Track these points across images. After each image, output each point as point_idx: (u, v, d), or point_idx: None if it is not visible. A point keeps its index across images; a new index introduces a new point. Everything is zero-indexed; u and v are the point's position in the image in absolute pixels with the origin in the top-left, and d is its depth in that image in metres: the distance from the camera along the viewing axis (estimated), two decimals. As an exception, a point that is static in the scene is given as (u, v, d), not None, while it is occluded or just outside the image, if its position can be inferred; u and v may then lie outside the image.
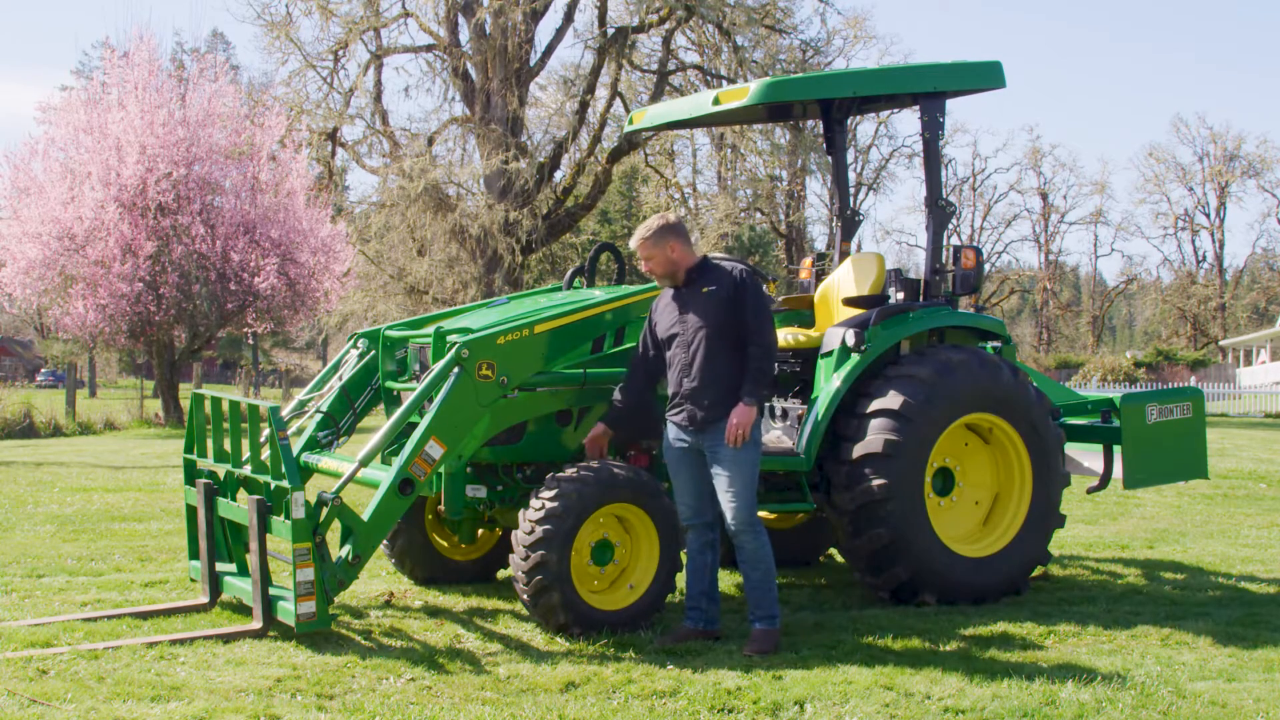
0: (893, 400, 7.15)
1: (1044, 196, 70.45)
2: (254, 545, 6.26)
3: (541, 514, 6.28)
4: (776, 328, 7.98)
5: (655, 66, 33.45)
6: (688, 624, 6.49)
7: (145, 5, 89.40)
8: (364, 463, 6.36)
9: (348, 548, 6.21)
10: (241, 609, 6.77)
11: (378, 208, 33.17)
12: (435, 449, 6.35)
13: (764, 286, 6.38)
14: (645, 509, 6.53)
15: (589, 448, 6.73)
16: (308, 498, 6.05)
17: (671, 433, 6.48)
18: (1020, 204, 70.87)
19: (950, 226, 8.12)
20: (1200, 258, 71.61)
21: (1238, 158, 68.37)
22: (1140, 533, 10.49)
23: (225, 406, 6.83)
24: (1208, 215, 70.14)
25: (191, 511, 7.09)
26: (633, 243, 6.40)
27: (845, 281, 8.07)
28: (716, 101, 7.47)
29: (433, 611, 7.10)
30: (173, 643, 6.03)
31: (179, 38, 70.28)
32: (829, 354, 7.45)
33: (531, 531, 6.28)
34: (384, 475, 6.37)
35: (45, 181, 24.61)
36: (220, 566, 6.93)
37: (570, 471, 6.45)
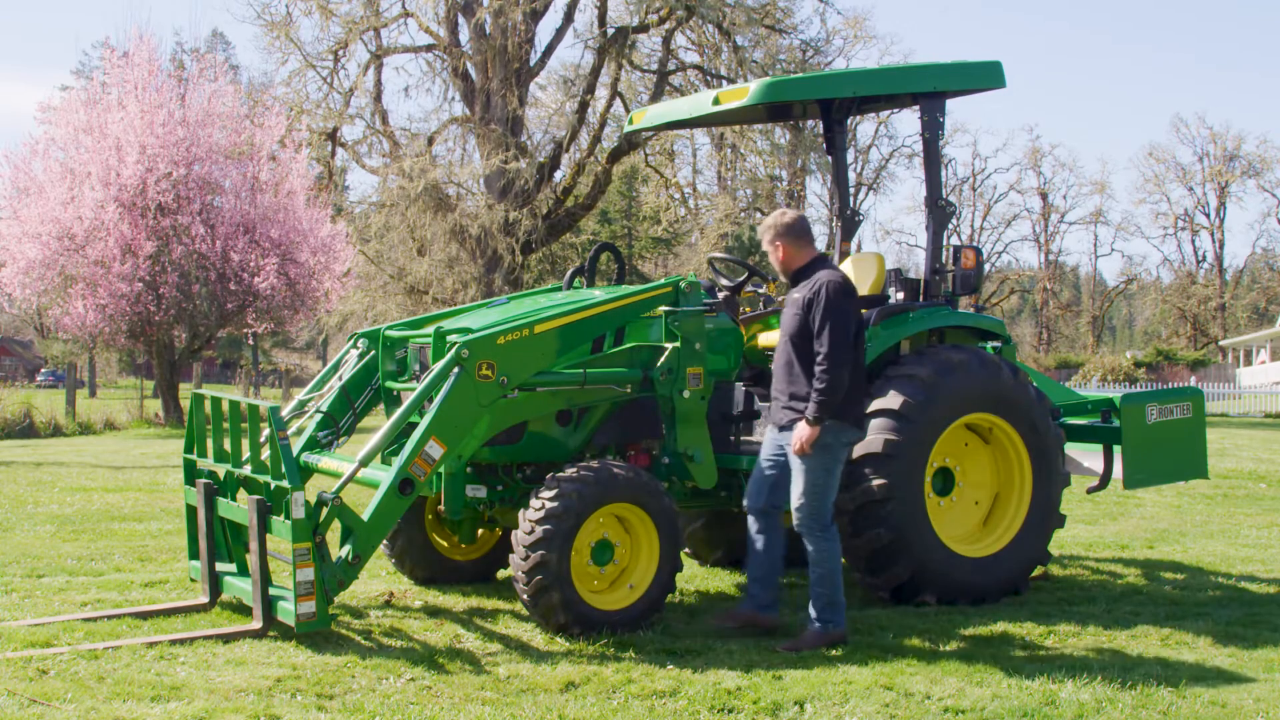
0: (893, 400, 7.16)
1: (1044, 196, 70.48)
2: (254, 545, 6.26)
3: (541, 514, 6.28)
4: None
5: (655, 66, 33.45)
6: (742, 607, 6.60)
7: (145, 5, 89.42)
8: (364, 463, 6.36)
9: (348, 548, 6.21)
10: (241, 609, 6.77)
11: (378, 208, 33.18)
12: (435, 449, 6.34)
13: (848, 299, 6.29)
14: (645, 509, 6.53)
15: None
16: (308, 498, 6.05)
17: (769, 427, 6.61)
18: (1020, 204, 70.97)
19: (950, 226, 8.12)
20: (1200, 258, 71.69)
21: (1238, 158, 68.40)
22: (1140, 533, 10.50)
23: (225, 406, 6.83)
24: (1208, 215, 70.21)
25: (191, 511, 7.09)
26: (764, 221, 6.58)
27: (845, 281, 8.07)
28: (716, 101, 7.47)
29: (433, 611, 7.10)
30: (173, 643, 6.03)
31: (179, 38, 70.40)
32: (829, 354, 7.44)
33: (531, 531, 6.28)
34: (384, 475, 6.36)
35: (45, 181, 24.60)
36: (220, 566, 6.93)
37: (570, 471, 6.45)
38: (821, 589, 6.39)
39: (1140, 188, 79.36)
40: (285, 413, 7.28)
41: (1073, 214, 72.44)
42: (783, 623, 6.65)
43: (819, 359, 6.22)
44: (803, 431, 6.24)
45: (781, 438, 6.47)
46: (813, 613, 6.42)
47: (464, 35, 31.56)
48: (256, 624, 6.25)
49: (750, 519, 6.63)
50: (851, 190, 9.66)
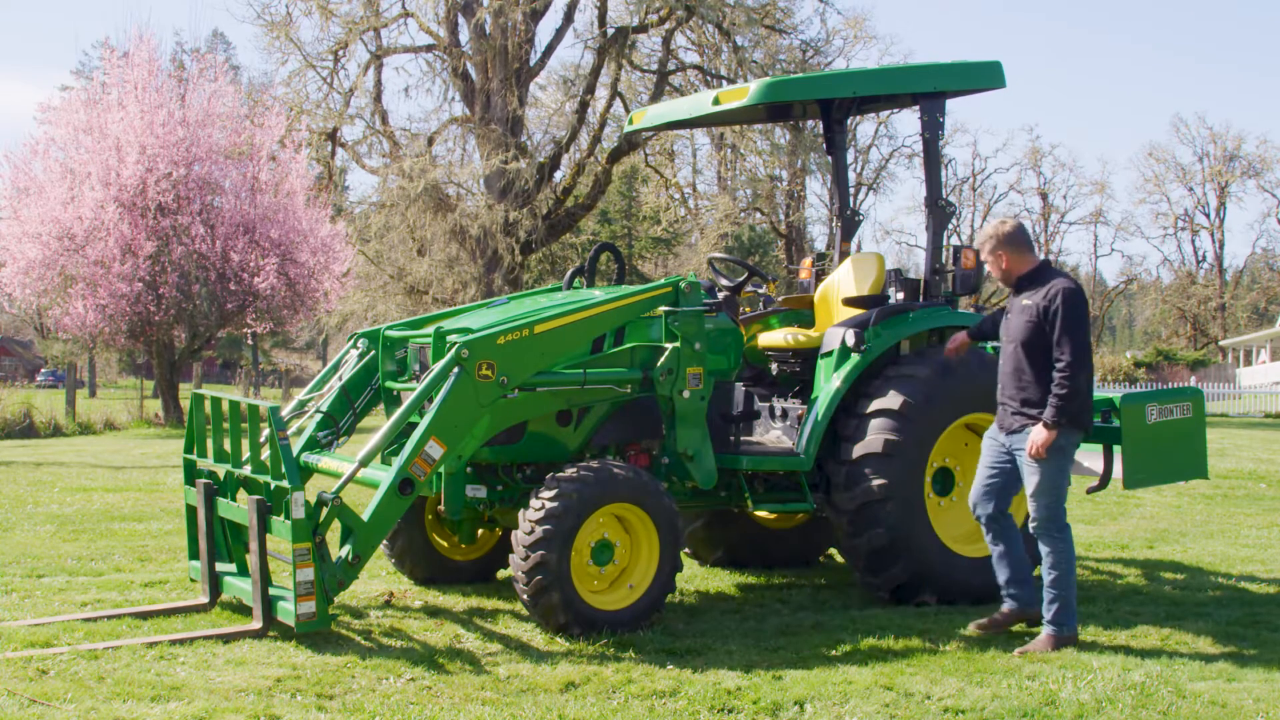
0: (893, 400, 7.16)
1: (1044, 196, 70.43)
2: (254, 545, 6.26)
3: (541, 514, 6.28)
4: (791, 327, 8.02)
5: (655, 66, 33.45)
6: (1007, 609, 6.65)
7: (145, 5, 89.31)
8: (364, 463, 6.36)
9: (348, 548, 6.21)
10: (241, 609, 6.77)
11: (378, 208, 33.15)
12: (435, 449, 6.34)
13: (1085, 305, 6.39)
14: (645, 509, 6.53)
15: (951, 343, 7.17)
16: (308, 498, 6.06)
17: (992, 428, 6.70)
18: (1020, 204, 70.66)
19: (950, 226, 8.13)
20: (1200, 258, 71.67)
21: (1238, 158, 68.38)
22: (1140, 533, 10.50)
23: (225, 406, 6.83)
24: (1208, 215, 70.19)
25: (191, 511, 7.09)
26: (976, 242, 6.67)
27: (845, 281, 8.08)
28: (716, 101, 7.47)
29: (433, 611, 7.10)
30: (173, 643, 6.03)
31: (179, 38, 70.23)
32: (829, 354, 7.45)
33: (531, 531, 6.28)
34: (384, 475, 6.36)
35: (45, 181, 24.59)
36: (220, 566, 6.93)
37: (570, 471, 6.45)
38: (1057, 590, 6.38)
39: (1140, 188, 79.34)
40: (285, 413, 7.27)
41: (1073, 214, 72.45)
42: (1036, 614, 6.60)
43: (1060, 364, 6.25)
44: (1040, 435, 6.27)
45: (1010, 442, 6.51)
46: (1048, 615, 6.39)
47: (464, 35, 31.55)
48: (256, 624, 6.25)
49: (985, 528, 6.65)
50: (851, 190, 9.67)
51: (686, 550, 8.63)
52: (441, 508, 6.88)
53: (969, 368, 7.38)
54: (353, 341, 7.66)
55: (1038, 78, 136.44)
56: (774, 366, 8.19)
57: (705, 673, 5.77)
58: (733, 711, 5.27)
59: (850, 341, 7.33)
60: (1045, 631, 6.40)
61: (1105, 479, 8.32)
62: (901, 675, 5.77)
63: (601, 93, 32.47)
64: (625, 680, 5.62)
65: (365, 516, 6.22)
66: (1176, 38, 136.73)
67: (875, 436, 7.13)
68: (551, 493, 6.33)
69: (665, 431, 7.12)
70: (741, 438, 7.58)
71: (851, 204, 8.81)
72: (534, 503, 6.36)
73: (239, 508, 6.61)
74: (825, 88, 7.95)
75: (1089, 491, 8.46)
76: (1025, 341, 6.39)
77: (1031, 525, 6.45)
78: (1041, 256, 6.70)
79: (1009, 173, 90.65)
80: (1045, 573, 6.43)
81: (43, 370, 60.91)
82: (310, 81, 32.29)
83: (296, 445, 6.97)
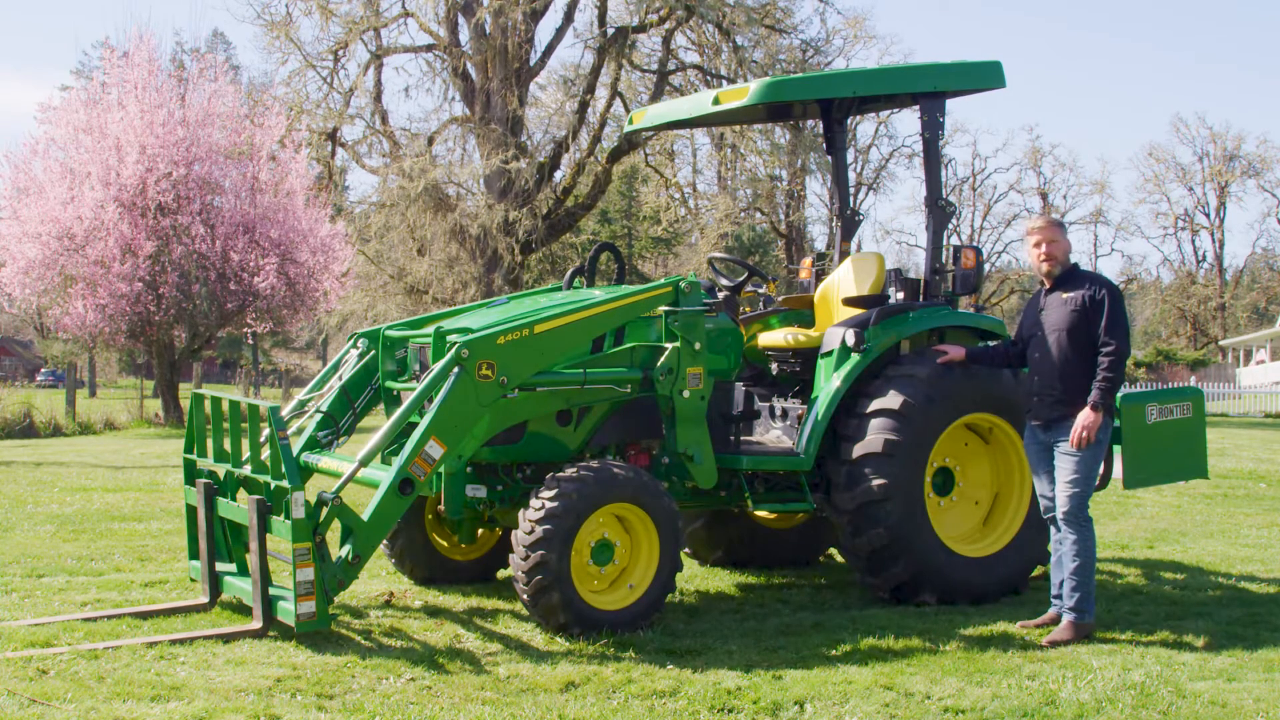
0: (893, 400, 7.16)
1: (1044, 196, 70.34)
2: (254, 545, 6.26)
3: (541, 514, 6.28)
4: (791, 327, 8.04)
5: (655, 66, 33.44)
6: (1053, 609, 6.81)
7: (145, 5, 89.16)
8: (364, 463, 6.36)
9: (348, 548, 6.21)
10: (241, 609, 6.77)
11: (378, 208, 33.14)
12: (435, 449, 6.35)
13: (1121, 299, 6.61)
14: (645, 509, 6.53)
15: (947, 355, 7.25)
16: (308, 498, 6.06)
17: (1028, 431, 6.83)
18: (1020, 204, 70.58)
19: (950, 226, 8.13)
20: (1200, 258, 71.61)
21: (1238, 157, 68.31)
22: (1140, 533, 10.50)
23: (225, 406, 6.83)
24: (1208, 215, 70.13)
25: (191, 511, 7.09)
26: (1035, 222, 6.83)
27: (845, 281, 8.08)
28: (716, 101, 7.47)
29: (433, 611, 7.10)
30: (173, 643, 6.04)
31: (179, 38, 70.16)
32: (829, 354, 7.46)
33: (531, 531, 6.28)
34: (384, 475, 6.37)
35: (45, 181, 24.58)
36: (220, 566, 6.94)
37: (570, 471, 6.45)
38: (1079, 578, 6.57)
39: (1140, 188, 79.27)
40: (285, 413, 7.28)
41: (1073, 214, 71.69)
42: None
43: (1108, 349, 6.49)
44: (1088, 417, 6.47)
45: (1050, 436, 6.67)
46: (1069, 603, 6.59)
47: (464, 35, 31.54)
48: (256, 624, 6.25)
49: (1054, 528, 6.76)
50: (851, 190, 9.67)
51: (686, 550, 8.63)
52: (441, 508, 6.89)
53: (969, 368, 7.37)
54: (353, 341, 7.67)
55: (1038, 78, 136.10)
56: (774, 366, 8.19)
57: (705, 673, 5.77)
58: (733, 711, 5.27)
59: (850, 341, 7.34)
60: (1066, 619, 6.57)
61: (1105, 479, 8.32)
62: (901, 675, 5.78)
63: (601, 92, 32.46)
64: (625, 680, 5.63)
65: (365, 516, 6.23)
66: (1176, 38, 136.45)
67: (875, 436, 7.13)
68: (551, 493, 6.34)
69: (665, 431, 7.12)
70: (741, 438, 7.58)
71: (851, 204, 8.82)
72: (534, 503, 6.37)
73: (239, 508, 6.62)
74: (825, 88, 7.94)
75: (1089, 491, 8.47)
76: (1071, 329, 6.57)
77: (1060, 514, 6.59)
78: None
79: (1009, 173, 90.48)
80: (1068, 561, 6.59)
81: (43, 370, 60.93)
82: (310, 81, 32.31)
83: (296, 445, 6.97)
